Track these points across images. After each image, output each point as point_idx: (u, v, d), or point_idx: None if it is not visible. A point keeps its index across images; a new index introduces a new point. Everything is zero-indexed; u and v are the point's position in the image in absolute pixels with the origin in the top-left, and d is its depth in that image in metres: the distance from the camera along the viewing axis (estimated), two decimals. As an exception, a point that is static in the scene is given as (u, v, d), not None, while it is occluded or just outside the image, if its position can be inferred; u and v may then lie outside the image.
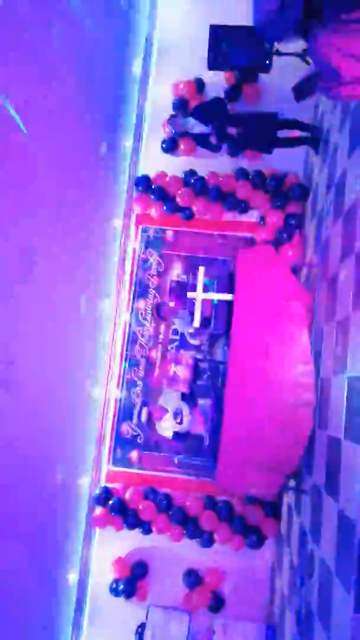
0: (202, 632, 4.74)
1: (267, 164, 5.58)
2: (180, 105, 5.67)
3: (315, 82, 2.63)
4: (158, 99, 5.93)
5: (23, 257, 3.40)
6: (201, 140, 4.77)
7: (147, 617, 4.84)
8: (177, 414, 4.81)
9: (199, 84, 5.78)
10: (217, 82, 5.74)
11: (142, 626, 4.86)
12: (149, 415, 4.89)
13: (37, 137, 3.53)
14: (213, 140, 4.56)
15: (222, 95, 5.56)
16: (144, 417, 4.93)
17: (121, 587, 5.10)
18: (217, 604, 5.07)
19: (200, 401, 4.82)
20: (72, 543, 5.10)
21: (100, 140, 5.04)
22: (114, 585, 5.17)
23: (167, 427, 4.90)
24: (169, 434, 4.89)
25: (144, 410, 4.92)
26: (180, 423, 4.83)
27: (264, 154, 4.99)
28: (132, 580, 5.15)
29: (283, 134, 4.82)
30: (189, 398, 4.95)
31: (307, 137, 4.71)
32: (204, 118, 4.63)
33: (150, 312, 4.93)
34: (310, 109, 5.25)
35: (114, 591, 5.15)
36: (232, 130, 4.66)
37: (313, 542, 3.36)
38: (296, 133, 4.82)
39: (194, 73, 5.77)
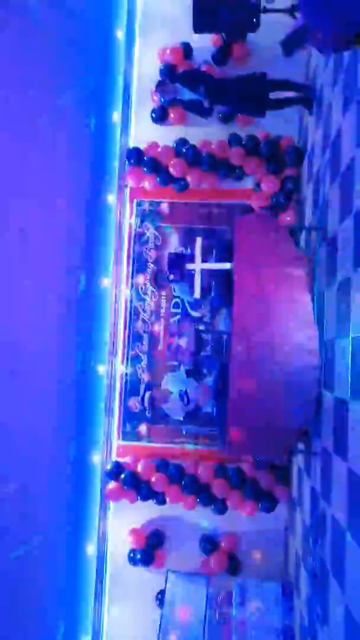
0: (220, 594, 4.87)
1: (260, 128, 5.46)
2: (168, 71, 5.51)
3: (303, 34, 2.54)
4: (144, 67, 5.78)
5: (19, 237, 3.37)
6: (191, 106, 4.65)
7: (166, 583, 4.97)
8: (182, 395, 4.71)
9: (186, 49, 5.61)
10: (204, 46, 5.57)
11: (162, 592, 5.00)
12: (152, 399, 4.79)
13: (22, 113, 3.45)
14: (206, 104, 4.43)
15: (209, 58, 5.40)
16: (147, 402, 4.83)
17: (139, 556, 5.23)
18: (233, 567, 5.20)
19: (206, 375, 4.80)
20: (89, 517, 5.21)
21: (88, 114, 4.92)
22: (132, 555, 5.29)
23: (176, 410, 4.81)
24: (179, 416, 4.79)
25: (147, 395, 4.82)
26: (188, 404, 4.76)
27: (257, 117, 4.85)
28: (149, 549, 5.28)
29: (275, 95, 4.69)
30: (193, 373, 4.87)
31: (300, 97, 4.59)
32: (191, 84, 4.50)
33: (149, 283, 4.86)
34: (302, 67, 5.11)
35: (132, 560, 5.29)
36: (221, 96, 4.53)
37: (324, 502, 3.42)
38: (288, 94, 4.69)
39: (180, 38, 5.60)
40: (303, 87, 4.60)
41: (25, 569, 3.63)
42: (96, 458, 5.32)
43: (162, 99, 5.32)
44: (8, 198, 3.22)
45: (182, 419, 4.81)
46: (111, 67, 5.60)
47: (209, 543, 5.28)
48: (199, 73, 4.73)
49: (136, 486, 5.28)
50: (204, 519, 5.34)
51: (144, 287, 5.69)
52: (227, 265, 3.93)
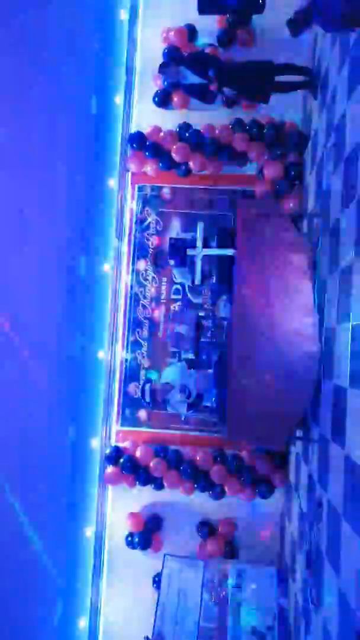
0: (217, 577, 4.93)
1: (265, 113, 5.40)
2: (171, 54, 5.43)
3: (311, 13, 2.49)
4: (148, 50, 5.69)
5: (18, 219, 3.35)
6: (194, 91, 4.57)
7: (163, 567, 5.03)
8: (184, 389, 4.59)
9: (190, 31, 5.53)
10: (208, 28, 5.48)
11: (159, 575, 5.06)
12: (153, 393, 4.68)
13: (22, 94, 3.41)
14: (213, 87, 4.33)
15: (215, 41, 5.31)
16: (147, 396, 4.73)
17: (136, 540, 5.29)
18: (230, 551, 5.25)
19: (205, 363, 4.73)
20: (87, 501, 5.25)
21: (89, 98, 4.86)
22: (130, 539, 5.35)
23: (179, 404, 4.66)
24: (183, 410, 4.67)
25: (147, 387, 4.73)
26: (190, 397, 4.64)
27: (261, 104, 4.77)
28: (147, 533, 5.33)
29: (280, 79, 4.62)
30: (194, 364, 4.73)
31: (305, 81, 4.52)
32: (197, 67, 4.42)
33: (150, 263, 4.76)
34: (308, 51, 5.03)
35: (130, 544, 5.34)
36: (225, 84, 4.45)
37: (321, 488, 3.44)
38: (293, 78, 4.62)
39: (185, 20, 5.50)
40: (308, 71, 4.52)
41: (25, 551, 3.67)
42: (95, 443, 5.35)
43: (165, 82, 5.23)
44: (8, 179, 3.19)
45: (186, 412, 4.68)
46: (113, 48, 5.52)
47: (206, 528, 5.33)
48: (206, 56, 4.64)
49: (135, 471, 5.31)
50: (201, 504, 5.38)
51: (144, 272, 5.67)
52: (228, 251, 3.91)
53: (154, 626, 4.73)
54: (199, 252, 3.97)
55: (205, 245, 4.08)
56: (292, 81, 4.60)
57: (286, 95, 5.24)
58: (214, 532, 5.33)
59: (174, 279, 5.50)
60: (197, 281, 4.04)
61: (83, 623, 5.11)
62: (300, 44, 4.72)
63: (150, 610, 4.82)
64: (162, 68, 5.15)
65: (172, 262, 4.08)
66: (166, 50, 5.48)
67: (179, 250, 4.01)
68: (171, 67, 4.84)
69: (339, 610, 2.78)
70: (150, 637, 4.59)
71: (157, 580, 5.12)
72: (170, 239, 4.11)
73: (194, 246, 4.01)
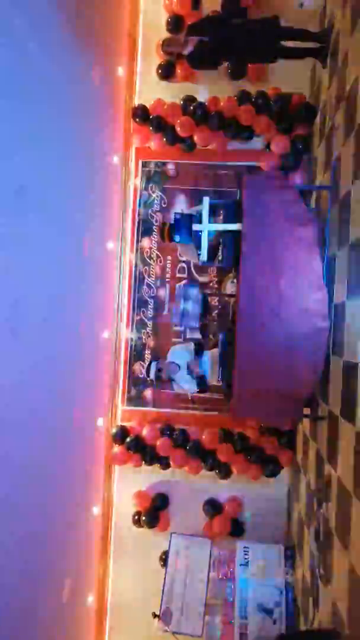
0: (224, 555, 4.94)
1: (271, 85, 5.24)
2: (175, 23, 5.25)
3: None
4: (150, 19, 5.51)
5: (18, 195, 3.25)
6: (198, 57, 4.38)
7: (170, 545, 5.05)
8: (191, 369, 4.45)
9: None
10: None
11: (166, 553, 5.08)
12: (159, 371, 4.55)
13: (20, 65, 3.28)
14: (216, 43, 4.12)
15: (218, 7, 5.11)
16: (152, 374, 4.60)
17: (143, 518, 5.30)
18: (237, 530, 5.26)
19: (212, 341, 4.64)
20: (94, 480, 5.25)
21: (91, 69, 4.70)
22: (137, 517, 5.36)
23: (187, 383, 4.51)
24: (193, 388, 4.54)
25: (153, 366, 4.58)
26: (196, 378, 4.50)
27: (268, 63, 4.59)
28: (154, 511, 5.34)
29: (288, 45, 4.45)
30: (202, 346, 4.59)
31: (314, 49, 4.35)
32: (204, 31, 4.24)
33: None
34: (316, 16, 4.84)
35: (137, 522, 5.36)
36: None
37: (330, 466, 3.40)
38: (301, 45, 4.45)
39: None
40: (317, 36, 4.34)
41: (32, 530, 3.67)
42: (101, 422, 5.33)
43: (171, 51, 4.97)
44: (7, 154, 3.09)
45: (195, 391, 4.55)
46: (115, 17, 5.34)
47: (213, 507, 5.33)
48: (208, 21, 4.45)
49: (141, 450, 5.30)
50: (208, 483, 5.38)
51: (149, 251, 5.59)
52: (235, 226, 3.81)
53: (161, 603, 4.77)
54: (205, 227, 3.86)
55: (212, 220, 3.96)
56: (302, 47, 4.41)
57: (294, 66, 5.08)
58: (221, 510, 5.34)
59: (179, 257, 5.42)
60: (204, 257, 3.95)
61: (91, 600, 5.15)
62: (308, 10, 4.54)
63: (158, 587, 4.86)
64: (167, 46, 4.88)
65: (177, 237, 3.97)
66: (169, 20, 5.31)
67: (185, 226, 3.91)
68: (176, 40, 4.58)
69: (349, 585, 2.77)
70: (157, 613, 4.62)
71: (164, 559, 5.15)
72: (175, 213, 3.99)
73: (199, 221, 3.90)
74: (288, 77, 5.21)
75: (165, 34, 5.30)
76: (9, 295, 3.21)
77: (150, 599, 4.87)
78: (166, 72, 5.44)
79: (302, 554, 4.31)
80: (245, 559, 4.75)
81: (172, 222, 4.01)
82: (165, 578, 4.90)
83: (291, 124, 5.08)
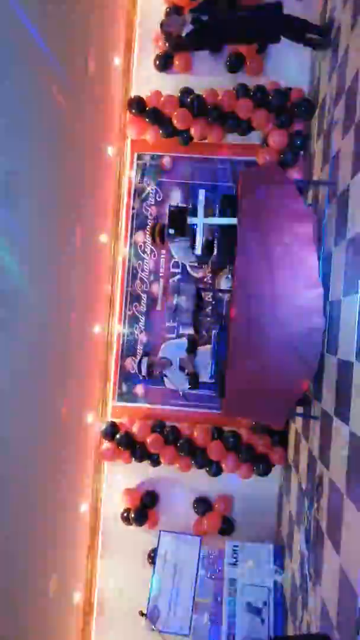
0: (213, 554, 4.90)
1: (270, 78, 5.17)
2: (174, 13, 5.16)
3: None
4: (149, 9, 5.42)
5: (6, 184, 3.17)
6: (198, 38, 4.27)
7: (158, 542, 4.99)
8: (183, 366, 4.37)
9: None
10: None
11: (154, 551, 5.02)
12: (150, 367, 4.47)
13: (15, 48, 3.19)
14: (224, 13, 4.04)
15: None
16: (144, 370, 4.51)
17: (132, 515, 5.24)
18: (227, 528, 5.22)
19: (204, 337, 4.56)
20: (83, 476, 5.18)
21: (87, 57, 4.60)
22: (125, 514, 5.30)
23: (179, 381, 4.44)
24: (185, 386, 4.46)
25: (144, 361, 4.49)
26: (188, 375, 4.43)
27: (271, 43, 4.47)
28: (143, 508, 5.28)
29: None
30: (194, 344, 4.50)
31: (315, 39, 4.29)
32: (205, 12, 4.15)
33: (151, 235, 4.54)
34: (317, 7, 4.76)
35: (126, 519, 5.30)
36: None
37: (322, 466, 3.35)
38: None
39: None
40: (319, 29, 4.28)
41: (20, 525, 3.60)
42: (91, 418, 5.25)
43: (169, 30, 4.75)
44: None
45: (187, 389, 4.48)
46: (113, 6, 5.24)
47: (203, 504, 5.28)
48: (208, 3, 4.37)
49: (131, 447, 5.24)
50: (198, 481, 5.33)
51: (142, 245, 5.51)
52: (231, 220, 3.74)
53: (148, 601, 4.71)
54: (201, 221, 3.79)
55: (207, 215, 3.89)
56: (304, 33, 4.33)
57: (293, 60, 5.02)
58: (211, 508, 5.29)
59: (172, 255, 5.30)
60: (198, 252, 3.88)
61: (77, 597, 5.09)
62: (310, 2, 4.47)
63: (146, 585, 4.80)
64: (166, 20, 4.75)
65: (171, 231, 3.90)
66: (168, 9, 5.21)
67: (179, 219, 3.83)
68: (175, 19, 4.47)
69: (339, 586, 2.72)
70: (145, 612, 4.57)
71: (152, 556, 5.09)
72: (170, 206, 3.92)
73: (195, 214, 3.83)
74: (287, 71, 5.15)
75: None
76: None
77: (137, 597, 4.81)
78: (164, 64, 5.35)
79: (292, 553, 4.27)
80: (234, 557, 4.71)
81: (164, 222, 3.93)
82: (153, 576, 4.84)
83: (290, 119, 5.01)
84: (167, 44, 4.91)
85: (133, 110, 5.31)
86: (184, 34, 4.28)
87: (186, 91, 5.23)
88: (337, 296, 3.33)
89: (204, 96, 5.15)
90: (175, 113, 5.14)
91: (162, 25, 4.89)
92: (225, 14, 4.21)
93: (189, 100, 5.14)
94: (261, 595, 4.53)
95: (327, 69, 4.24)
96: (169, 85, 5.34)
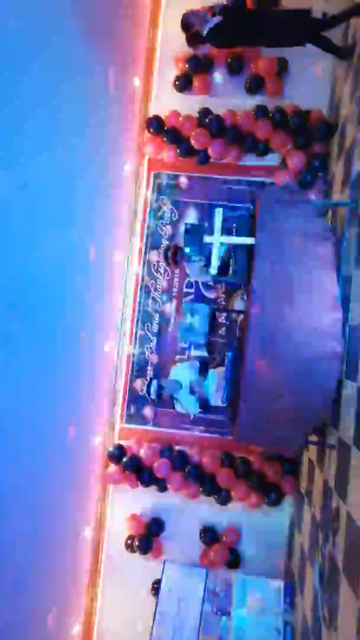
0: (219, 587, 4.66)
1: (289, 100, 5.15)
2: (195, 36, 5.16)
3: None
4: (170, 30, 5.45)
5: (25, 197, 3.12)
6: (218, 36, 4.24)
7: (163, 573, 4.78)
8: (194, 389, 4.23)
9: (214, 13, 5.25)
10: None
11: (158, 582, 4.81)
12: (160, 389, 4.32)
13: (37, 67, 3.18)
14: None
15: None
16: (153, 392, 4.35)
17: (136, 543, 5.03)
18: (234, 560, 4.98)
19: (216, 360, 4.43)
20: (87, 500, 5.01)
21: (107, 78, 4.62)
22: (129, 542, 5.10)
23: (189, 403, 4.26)
24: (195, 409, 4.29)
25: (154, 384, 4.37)
26: (198, 399, 4.29)
27: (296, 46, 4.42)
28: (148, 537, 5.07)
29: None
30: (206, 366, 4.36)
31: (343, 48, 4.28)
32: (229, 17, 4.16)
33: (165, 257, 4.49)
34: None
35: (129, 547, 5.09)
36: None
37: (338, 497, 3.17)
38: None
39: (208, 1, 5.24)
40: (342, 51, 4.27)
41: (20, 551, 3.44)
42: (97, 440, 5.10)
43: (189, 25, 4.64)
44: (14, 153, 2.97)
45: (197, 414, 4.33)
46: (134, 29, 5.29)
47: (210, 534, 5.06)
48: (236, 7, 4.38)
49: (138, 471, 5.06)
50: (206, 509, 5.12)
51: (156, 264, 5.43)
52: (248, 240, 3.65)
53: (151, 635, 4.48)
54: (217, 240, 3.70)
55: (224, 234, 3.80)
56: (330, 43, 4.29)
57: (313, 82, 4.99)
58: (218, 539, 5.06)
59: (188, 276, 5.19)
60: (213, 271, 3.77)
61: (77, 630, 4.85)
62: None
63: (148, 618, 4.57)
64: (189, 14, 4.67)
65: (187, 249, 3.81)
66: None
67: (196, 237, 3.75)
68: (199, 13, 4.41)
69: (357, 632, 2.52)
70: (146, 648, 4.34)
71: (156, 587, 4.86)
72: (186, 224, 3.84)
73: (211, 233, 3.74)
74: (306, 93, 5.12)
75: (184, 47, 5.20)
76: (4, 298, 3.05)
77: (139, 630, 4.58)
78: (183, 85, 5.36)
79: (304, 591, 4.03)
80: (242, 593, 4.47)
81: (178, 245, 3.86)
82: (156, 608, 4.61)
83: (309, 141, 4.96)
84: (185, 32, 4.79)
85: (151, 129, 5.30)
86: (205, 32, 4.28)
87: (205, 111, 5.21)
88: (357, 320, 3.20)
89: (222, 116, 5.13)
90: (194, 133, 5.12)
91: (185, 14, 4.79)
92: (254, 14, 4.22)
93: (207, 120, 5.12)
94: (269, 635, 4.27)
95: (348, 89, 4.19)
96: (187, 106, 5.33)
